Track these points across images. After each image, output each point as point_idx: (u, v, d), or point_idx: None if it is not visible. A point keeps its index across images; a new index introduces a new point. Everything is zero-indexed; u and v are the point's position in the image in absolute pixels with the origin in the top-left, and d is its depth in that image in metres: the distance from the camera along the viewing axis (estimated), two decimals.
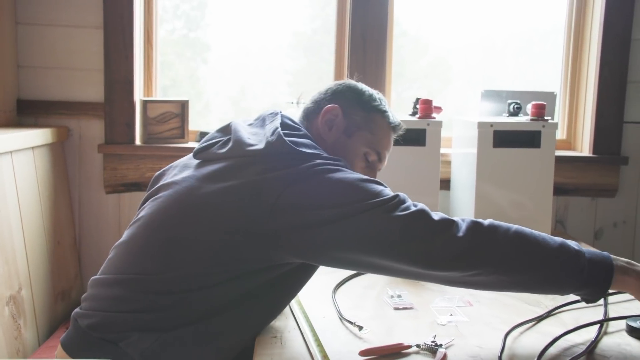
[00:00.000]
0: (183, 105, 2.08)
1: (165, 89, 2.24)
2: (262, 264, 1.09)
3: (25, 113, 2.02)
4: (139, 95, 2.09)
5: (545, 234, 1.11)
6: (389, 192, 1.11)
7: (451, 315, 1.27)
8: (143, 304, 1.09)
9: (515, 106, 1.90)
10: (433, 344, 1.10)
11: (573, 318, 1.27)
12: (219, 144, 1.20)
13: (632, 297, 1.30)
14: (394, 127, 1.36)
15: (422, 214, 1.08)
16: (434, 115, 1.77)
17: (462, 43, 2.39)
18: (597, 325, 1.21)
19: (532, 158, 1.73)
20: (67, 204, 2.02)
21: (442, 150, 1.80)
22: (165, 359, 1.07)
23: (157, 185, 1.23)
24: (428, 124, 1.73)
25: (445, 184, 2.04)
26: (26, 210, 1.73)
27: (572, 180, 2.16)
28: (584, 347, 1.11)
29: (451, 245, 1.03)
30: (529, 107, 1.78)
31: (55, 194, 1.93)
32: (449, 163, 2.06)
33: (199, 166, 1.19)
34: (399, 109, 2.21)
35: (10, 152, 1.68)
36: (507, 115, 1.92)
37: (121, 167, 2.07)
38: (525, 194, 1.75)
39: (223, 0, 2.29)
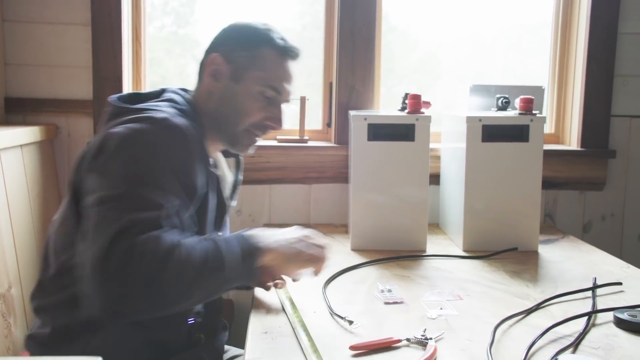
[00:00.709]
0: None
1: (155, 86, 2.23)
2: None
3: (13, 111, 2.01)
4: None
5: (202, 248, 1.05)
6: (155, 211, 1.03)
7: (441, 309, 1.28)
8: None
9: (504, 100, 1.91)
10: (423, 337, 1.11)
11: (562, 310, 1.28)
12: None
13: (620, 289, 1.33)
14: (286, 54, 1.30)
15: (145, 241, 0.98)
16: (422, 110, 1.77)
17: (451, 38, 2.39)
18: (586, 318, 1.22)
19: (520, 152, 1.74)
20: (56, 202, 2.02)
21: (431, 145, 1.81)
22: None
23: None
24: (417, 119, 1.74)
25: (435, 179, 2.05)
26: (15, 208, 1.72)
27: (561, 174, 2.18)
28: (572, 339, 1.12)
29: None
30: (517, 102, 1.79)
31: (44, 192, 1.92)
32: (438, 158, 2.07)
33: None
34: (388, 104, 2.22)
35: None
36: (496, 109, 1.92)
37: None
38: (514, 188, 1.76)
39: None
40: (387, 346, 1.09)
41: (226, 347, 1.48)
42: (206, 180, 1.20)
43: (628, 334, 1.16)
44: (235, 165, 1.46)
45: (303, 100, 2.14)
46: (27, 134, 1.83)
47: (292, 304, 1.30)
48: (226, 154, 1.43)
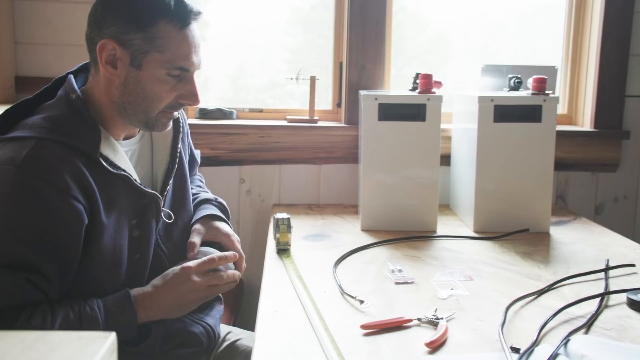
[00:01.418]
0: None
1: None
2: None
3: (24, 90, 2.00)
4: None
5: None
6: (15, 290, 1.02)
7: (452, 289, 1.27)
8: None
9: (516, 81, 1.89)
10: (434, 317, 1.10)
11: (574, 292, 1.27)
12: None
13: (633, 271, 1.32)
14: (186, 22, 1.13)
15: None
16: (434, 90, 1.76)
17: (461, 18, 2.36)
18: (598, 299, 1.21)
19: (533, 133, 1.72)
20: None
21: (443, 126, 1.79)
22: None
23: None
24: (428, 99, 1.72)
25: (446, 159, 2.03)
26: None
27: (573, 155, 2.16)
28: (584, 320, 1.12)
29: None
30: (529, 82, 1.76)
31: None
32: (449, 139, 2.05)
33: None
34: (399, 85, 2.20)
35: None
36: (508, 89, 1.90)
37: None
38: (526, 169, 1.74)
39: None
40: (398, 325, 1.09)
41: (231, 327, 1.48)
42: (90, 200, 1.09)
43: None
44: (172, 135, 1.32)
45: (313, 80, 2.12)
46: None
47: (303, 283, 1.30)
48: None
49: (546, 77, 1.74)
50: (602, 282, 1.33)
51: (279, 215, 1.54)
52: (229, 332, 1.42)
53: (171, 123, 1.25)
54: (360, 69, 2.09)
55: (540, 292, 1.26)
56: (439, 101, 1.72)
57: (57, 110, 1.12)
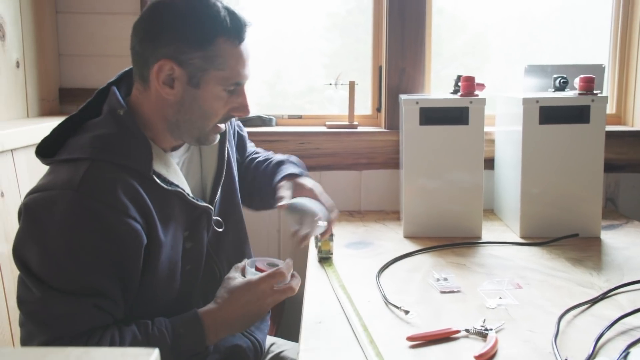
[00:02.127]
0: None
1: None
2: None
3: (67, 101, 2.03)
4: None
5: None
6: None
7: (500, 298, 1.23)
8: None
9: (562, 81, 1.83)
10: (483, 328, 1.07)
11: (629, 300, 1.22)
12: None
13: None
14: (241, 37, 1.11)
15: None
16: (476, 92, 1.72)
17: (500, 18, 2.31)
18: None
19: (580, 134, 1.67)
20: None
21: (485, 129, 1.75)
22: None
23: None
24: (471, 102, 1.68)
25: (489, 163, 1.99)
26: None
27: (623, 156, 2.08)
28: None
29: None
30: (576, 81, 1.71)
31: None
32: (492, 142, 2.00)
33: None
34: (437, 88, 2.16)
35: None
36: (553, 90, 1.85)
37: None
38: (574, 172, 1.68)
39: None
40: (445, 337, 1.06)
41: (275, 338, 1.46)
42: (147, 219, 1.08)
43: None
44: (219, 143, 1.28)
45: (352, 85, 2.10)
46: None
47: (346, 293, 1.28)
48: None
49: (594, 77, 1.68)
50: None
51: (320, 223, 1.52)
52: (273, 344, 1.41)
53: (219, 136, 1.23)
54: (400, 73, 2.06)
55: (594, 301, 1.21)
56: (482, 104, 1.68)
57: (106, 128, 1.10)
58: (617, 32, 2.16)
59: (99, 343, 1.02)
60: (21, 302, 1.04)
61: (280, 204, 1.26)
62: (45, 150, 1.12)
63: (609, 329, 1.07)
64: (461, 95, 1.71)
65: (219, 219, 1.27)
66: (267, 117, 2.14)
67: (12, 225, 1.45)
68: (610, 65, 2.18)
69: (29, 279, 1.02)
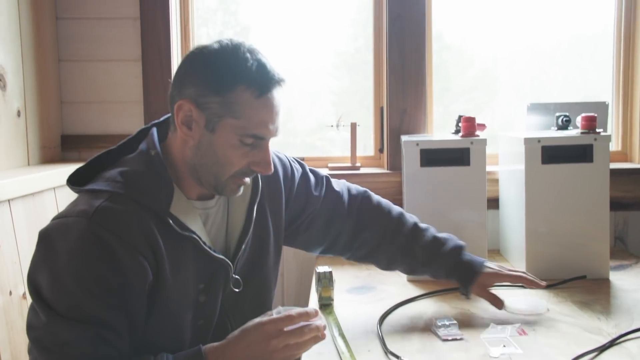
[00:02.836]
0: None
1: None
2: None
3: (69, 148, 2.05)
4: None
5: None
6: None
7: (504, 346, 1.19)
8: None
9: (564, 119, 1.82)
10: None
11: None
12: None
13: None
14: (265, 90, 1.10)
15: None
16: (477, 133, 1.70)
17: (507, 52, 2.32)
18: None
19: (585, 173, 1.64)
20: None
21: (488, 168, 1.73)
22: None
23: None
24: (472, 143, 1.67)
25: (494, 202, 1.96)
26: None
27: (631, 194, 2.05)
28: None
29: None
30: (578, 120, 1.69)
31: None
32: (496, 181, 1.98)
33: None
34: (445, 125, 2.15)
35: (54, 187, 1.69)
36: (556, 129, 1.83)
37: None
38: (580, 211, 1.65)
39: (266, 25, 2.28)
40: None
41: None
42: (156, 257, 1.08)
43: None
44: (249, 198, 1.27)
45: (353, 126, 2.10)
46: None
47: (345, 342, 1.25)
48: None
49: (595, 115, 1.67)
50: None
51: (321, 269, 1.49)
52: None
53: (242, 189, 1.20)
54: (401, 113, 2.06)
55: (602, 349, 1.17)
56: (484, 144, 1.67)
57: (135, 165, 1.12)
58: (619, 68, 2.16)
59: None
60: (29, 327, 1.06)
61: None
62: (77, 179, 1.15)
63: None
64: (462, 136, 1.70)
65: (237, 277, 1.23)
66: None
67: (8, 276, 1.44)
68: (614, 101, 2.17)
69: (38, 304, 1.03)
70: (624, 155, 2.16)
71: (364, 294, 1.58)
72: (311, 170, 1.48)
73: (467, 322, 1.34)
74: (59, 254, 1.02)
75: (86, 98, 2.05)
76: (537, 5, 2.27)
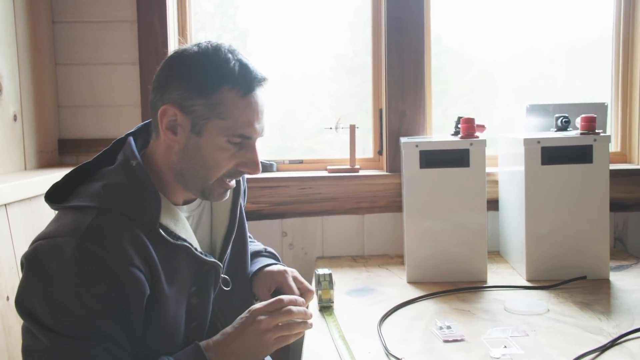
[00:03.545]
0: None
1: None
2: None
3: (67, 152, 2.04)
4: None
5: None
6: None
7: (505, 347, 1.19)
8: None
9: (564, 120, 1.81)
10: None
11: None
12: None
13: None
14: (249, 89, 1.10)
15: None
16: (477, 134, 1.70)
17: (506, 55, 2.31)
18: None
19: (584, 174, 1.64)
20: None
21: (488, 169, 1.72)
22: None
23: None
24: (471, 144, 1.66)
25: (493, 204, 1.95)
26: None
27: (631, 195, 2.04)
28: None
29: None
30: (578, 121, 1.69)
31: None
32: (496, 182, 1.97)
33: None
34: (444, 128, 2.15)
35: None
36: (555, 130, 1.83)
37: None
38: (580, 212, 1.65)
39: (264, 29, 2.28)
40: None
41: None
42: (151, 270, 1.07)
43: None
44: (232, 198, 1.29)
45: (352, 128, 2.09)
46: None
47: (346, 344, 1.24)
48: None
49: (595, 116, 1.66)
50: None
51: (321, 271, 1.48)
52: None
53: (228, 193, 1.20)
54: (400, 115, 2.05)
55: (603, 349, 1.16)
56: (483, 145, 1.66)
57: (117, 178, 1.09)
58: (618, 69, 2.15)
59: None
60: (27, 352, 1.02)
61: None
62: (55, 195, 1.12)
63: None
64: (461, 137, 1.70)
65: (226, 277, 1.25)
66: (267, 163, 2.13)
67: (5, 281, 1.43)
68: (613, 102, 2.17)
69: (36, 328, 1.00)
70: (623, 157, 2.16)
71: (364, 296, 1.57)
72: None
73: (467, 323, 1.34)
74: (52, 276, 1.00)
75: (83, 102, 2.04)
76: (536, 8, 2.27)
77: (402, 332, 1.31)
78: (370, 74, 2.15)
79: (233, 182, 1.19)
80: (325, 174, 2.08)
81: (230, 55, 1.10)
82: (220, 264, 1.20)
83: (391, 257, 1.99)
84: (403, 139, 1.77)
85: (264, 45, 2.28)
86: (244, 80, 1.09)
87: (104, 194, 1.06)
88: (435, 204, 1.68)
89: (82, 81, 2.03)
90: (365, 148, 2.20)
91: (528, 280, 1.66)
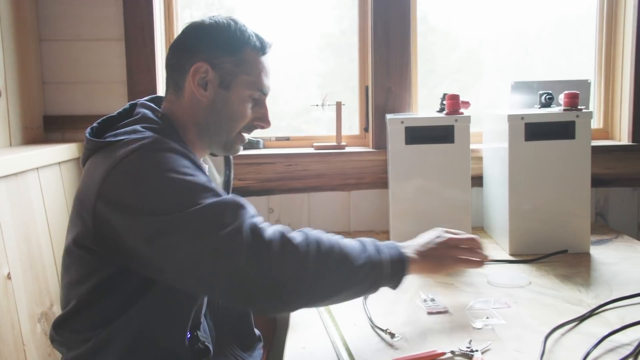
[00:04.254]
0: None
1: None
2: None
3: (52, 129, 2.03)
4: None
5: (351, 243, 1.10)
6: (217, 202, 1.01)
7: (487, 318, 1.22)
8: None
9: (547, 97, 1.83)
10: (468, 349, 1.05)
11: (618, 317, 1.20)
12: None
13: None
14: (265, 51, 1.26)
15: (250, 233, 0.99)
16: (462, 110, 1.71)
17: (492, 34, 2.32)
18: None
19: (567, 150, 1.66)
20: None
21: (473, 146, 1.74)
22: None
23: None
24: (456, 120, 1.68)
25: (478, 180, 1.98)
26: (55, 225, 1.73)
27: (612, 171, 2.08)
28: (631, 348, 1.05)
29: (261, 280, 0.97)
30: (561, 97, 1.71)
31: None
32: (480, 159, 2.00)
33: None
34: (430, 106, 2.16)
35: (37, 168, 1.68)
36: (539, 106, 1.85)
37: None
38: (562, 188, 1.67)
39: (251, 6, 2.27)
40: None
41: None
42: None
43: None
44: (225, 164, 1.43)
45: (339, 105, 2.10)
46: (65, 151, 1.84)
47: (331, 316, 1.26)
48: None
49: (578, 92, 1.68)
50: None
51: None
52: None
53: (241, 147, 1.30)
54: (386, 92, 2.06)
55: (582, 318, 1.20)
56: (467, 122, 1.68)
57: (147, 123, 1.14)
58: (601, 46, 2.17)
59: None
60: (195, 241, 0.99)
61: None
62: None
63: (596, 346, 1.05)
64: (446, 114, 1.71)
65: None
66: (254, 140, 2.13)
67: None
68: (596, 80, 2.19)
69: (169, 225, 0.98)
70: (605, 133, 2.19)
71: None
72: None
73: (451, 296, 1.36)
74: (157, 163, 1.03)
75: (69, 78, 2.03)
76: None
77: (387, 304, 1.33)
78: (357, 52, 2.16)
79: (247, 136, 1.30)
80: (311, 150, 2.09)
81: (248, 29, 1.24)
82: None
83: (377, 233, 2.01)
84: (389, 116, 1.79)
85: (250, 24, 2.26)
86: (261, 43, 1.24)
87: (143, 130, 1.11)
88: (420, 180, 1.70)
89: (67, 57, 2.02)
90: (352, 126, 2.21)
91: (511, 255, 1.69)
